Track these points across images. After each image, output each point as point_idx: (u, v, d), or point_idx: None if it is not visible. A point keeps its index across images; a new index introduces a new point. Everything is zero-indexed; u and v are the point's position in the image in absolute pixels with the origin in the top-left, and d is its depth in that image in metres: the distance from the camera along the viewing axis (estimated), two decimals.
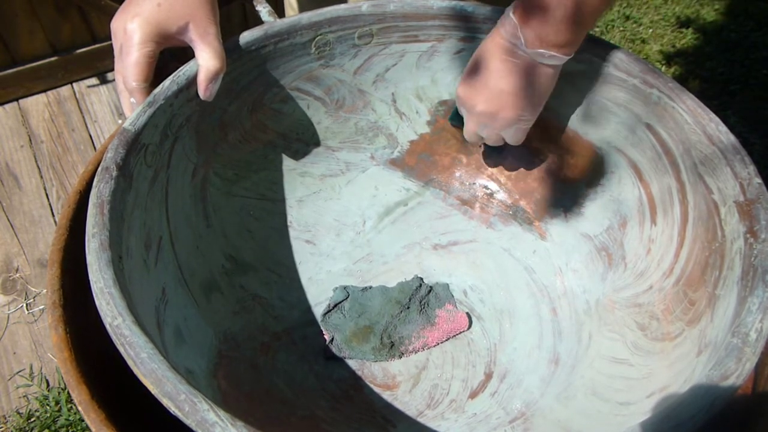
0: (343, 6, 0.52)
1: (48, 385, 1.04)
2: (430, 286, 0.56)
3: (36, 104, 1.42)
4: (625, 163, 0.52)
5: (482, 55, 0.48)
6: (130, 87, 0.45)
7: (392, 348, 0.53)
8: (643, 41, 1.69)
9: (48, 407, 1.00)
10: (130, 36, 0.44)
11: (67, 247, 0.45)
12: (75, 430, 0.98)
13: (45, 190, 1.29)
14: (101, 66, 1.46)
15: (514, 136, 0.52)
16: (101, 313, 0.34)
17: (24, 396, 1.03)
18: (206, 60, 0.46)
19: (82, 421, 0.98)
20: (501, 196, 0.60)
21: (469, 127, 0.53)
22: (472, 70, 0.49)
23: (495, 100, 0.48)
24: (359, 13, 0.52)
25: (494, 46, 0.47)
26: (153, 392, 0.31)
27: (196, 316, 0.48)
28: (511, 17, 0.46)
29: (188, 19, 0.45)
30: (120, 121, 1.34)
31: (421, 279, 0.56)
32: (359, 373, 0.52)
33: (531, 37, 0.45)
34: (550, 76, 0.47)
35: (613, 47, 0.49)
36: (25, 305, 1.13)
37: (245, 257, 0.55)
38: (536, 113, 0.50)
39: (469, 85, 0.49)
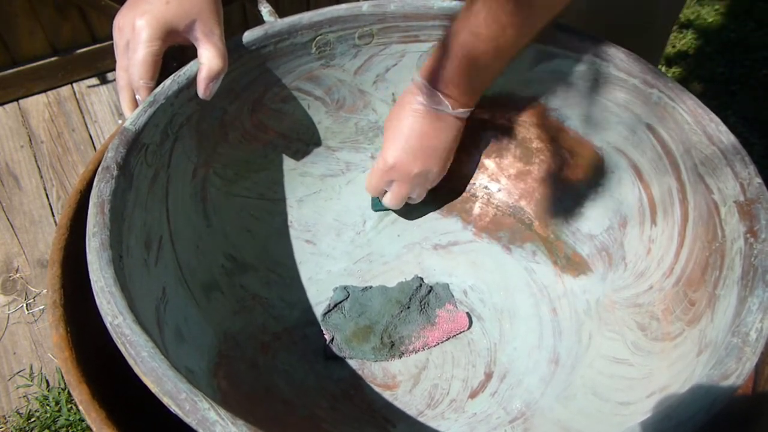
0: (343, 6, 0.52)
1: (48, 385, 1.04)
2: (430, 286, 0.56)
3: (36, 104, 1.42)
4: (625, 163, 0.52)
5: (405, 122, 0.52)
6: (137, 84, 0.45)
7: (392, 348, 0.53)
8: None
9: (48, 407, 0.99)
10: (139, 33, 0.44)
11: (68, 247, 0.45)
12: (75, 430, 0.98)
13: (45, 190, 1.29)
14: (101, 66, 1.46)
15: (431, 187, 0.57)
16: (102, 312, 0.34)
17: (24, 396, 1.02)
18: (209, 59, 0.46)
19: (82, 421, 0.98)
20: (501, 195, 0.60)
21: (402, 192, 0.55)
22: (399, 138, 0.52)
23: (428, 159, 0.53)
24: (360, 13, 0.52)
25: (416, 112, 0.51)
26: (154, 391, 0.31)
27: (196, 315, 0.48)
28: (424, 83, 0.50)
29: (195, 17, 0.45)
30: (120, 121, 1.34)
31: (422, 279, 0.56)
32: (359, 372, 0.52)
33: (451, 101, 0.49)
34: (462, 127, 0.53)
35: (614, 47, 0.49)
36: (25, 305, 1.13)
37: (245, 257, 0.55)
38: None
39: (404, 151, 0.52)
